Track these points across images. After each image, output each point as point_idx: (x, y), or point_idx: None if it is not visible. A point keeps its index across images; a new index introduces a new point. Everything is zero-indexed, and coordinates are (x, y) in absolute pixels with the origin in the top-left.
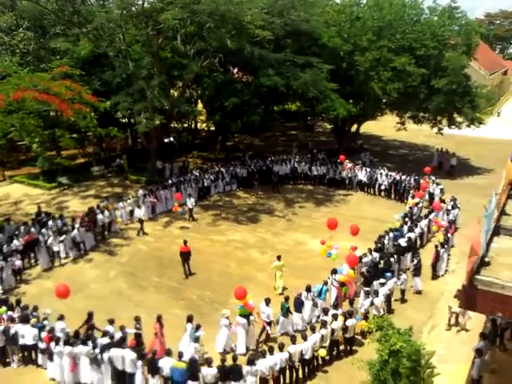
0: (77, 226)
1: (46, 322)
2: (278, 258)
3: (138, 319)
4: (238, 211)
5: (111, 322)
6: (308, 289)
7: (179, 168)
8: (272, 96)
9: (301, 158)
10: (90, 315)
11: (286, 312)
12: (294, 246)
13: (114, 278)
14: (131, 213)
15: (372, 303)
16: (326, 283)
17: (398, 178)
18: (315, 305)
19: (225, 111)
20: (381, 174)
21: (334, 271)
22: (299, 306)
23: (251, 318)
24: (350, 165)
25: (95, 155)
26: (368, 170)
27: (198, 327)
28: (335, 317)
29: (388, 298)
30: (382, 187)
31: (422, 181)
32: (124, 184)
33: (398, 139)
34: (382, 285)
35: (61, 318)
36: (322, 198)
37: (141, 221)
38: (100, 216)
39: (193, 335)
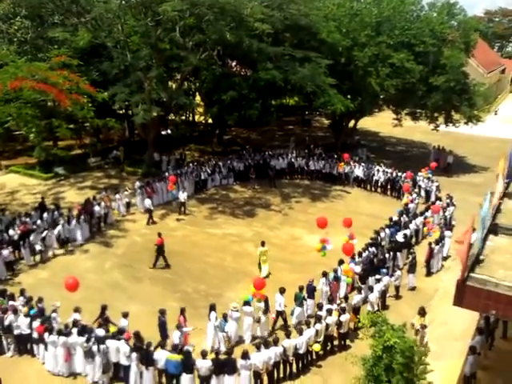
0: (61, 222)
1: (54, 315)
2: (263, 243)
3: (163, 312)
4: (234, 205)
5: (125, 315)
6: (325, 274)
7: (176, 160)
8: (270, 90)
9: (298, 152)
10: (104, 308)
11: (301, 302)
12: (289, 241)
13: (109, 269)
14: (128, 205)
15: (365, 299)
16: (335, 271)
17: (394, 174)
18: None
19: (222, 104)
20: (377, 170)
21: (341, 261)
22: (312, 292)
23: (260, 305)
24: (345, 167)
25: (92, 146)
26: (365, 165)
27: (224, 317)
28: (330, 312)
29: (383, 294)
30: (379, 183)
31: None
32: (120, 176)
33: (395, 136)
34: (378, 281)
35: (77, 310)
36: (319, 194)
37: (149, 211)
38: (97, 207)
39: (222, 324)
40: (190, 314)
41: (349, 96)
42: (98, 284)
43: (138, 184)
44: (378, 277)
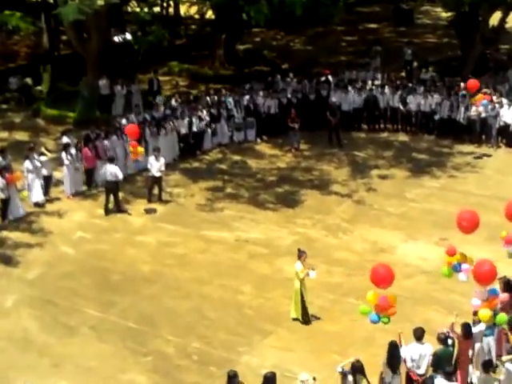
0: None
1: None
2: (300, 254)
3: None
4: (257, 183)
5: None
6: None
7: (143, 94)
8: None
9: (386, 77)
10: None
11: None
12: (368, 255)
13: (13, 308)
14: (47, 182)
15: None
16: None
17: None
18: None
19: None
20: None
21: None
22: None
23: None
24: (484, 100)
25: None
26: None
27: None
28: None
29: None
30: None
31: None
32: (33, 125)
33: None
34: None
35: None
36: (427, 160)
37: (113, 186)
38: None
39: None
40: None
41: None
42: None
43: (65, 140)
44: None
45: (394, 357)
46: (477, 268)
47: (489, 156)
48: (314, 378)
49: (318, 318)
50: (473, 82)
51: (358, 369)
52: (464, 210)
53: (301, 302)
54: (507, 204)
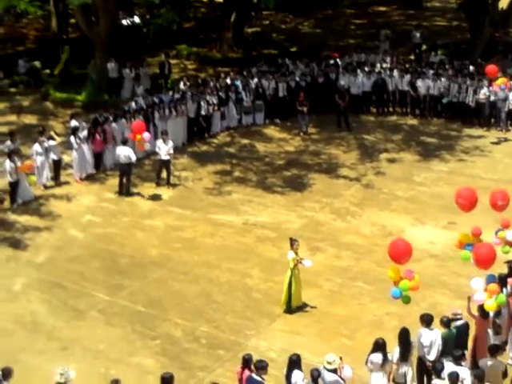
0: None
1: None
2: (292, 243)
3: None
4: (266, 166)
5: None
6: (502, 280)
7: (152, 79)
8: None
9: (395, 61)
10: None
11: (460, 354)
12: (376, 239)
13: (21, 292)
14: (56, 165)
15: None
16: (503, 281)
17: None
18: (497, 332)
19: None
20: None
21: (503, 280)
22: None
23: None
24: (491, 91)
25: None
26: None
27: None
28: (453, 381)
29: None
30: None
31: None
32: (41, 108)
33: None
34: None
35: None
36: (437, 144)
37: (126, 168)
38: None
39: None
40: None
41: None
42: None
43: (74, 123)
44: None
45: (407, 345)
46: (476, 251)
47: (497, 141)
48: (341, 358)
49: (314, 307)
50: (492, 68)
51: (380, 346)
52: (462, 188)
53: (287, 290)
54: (491, 194)
